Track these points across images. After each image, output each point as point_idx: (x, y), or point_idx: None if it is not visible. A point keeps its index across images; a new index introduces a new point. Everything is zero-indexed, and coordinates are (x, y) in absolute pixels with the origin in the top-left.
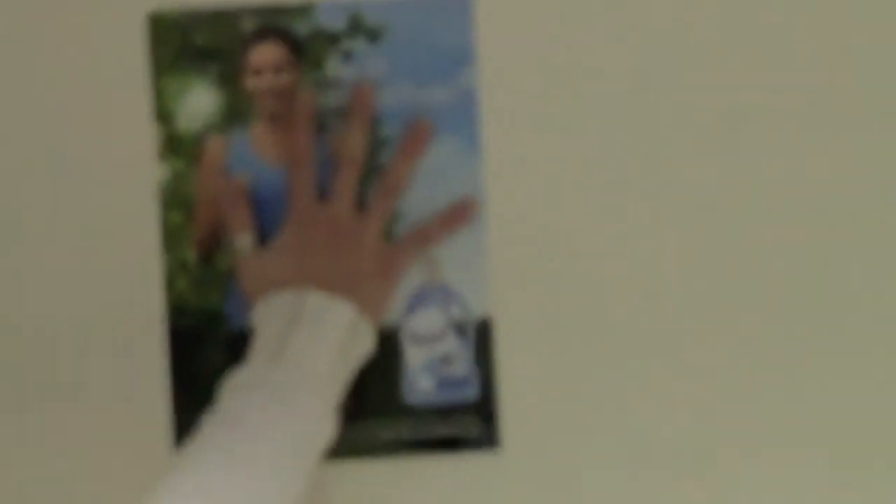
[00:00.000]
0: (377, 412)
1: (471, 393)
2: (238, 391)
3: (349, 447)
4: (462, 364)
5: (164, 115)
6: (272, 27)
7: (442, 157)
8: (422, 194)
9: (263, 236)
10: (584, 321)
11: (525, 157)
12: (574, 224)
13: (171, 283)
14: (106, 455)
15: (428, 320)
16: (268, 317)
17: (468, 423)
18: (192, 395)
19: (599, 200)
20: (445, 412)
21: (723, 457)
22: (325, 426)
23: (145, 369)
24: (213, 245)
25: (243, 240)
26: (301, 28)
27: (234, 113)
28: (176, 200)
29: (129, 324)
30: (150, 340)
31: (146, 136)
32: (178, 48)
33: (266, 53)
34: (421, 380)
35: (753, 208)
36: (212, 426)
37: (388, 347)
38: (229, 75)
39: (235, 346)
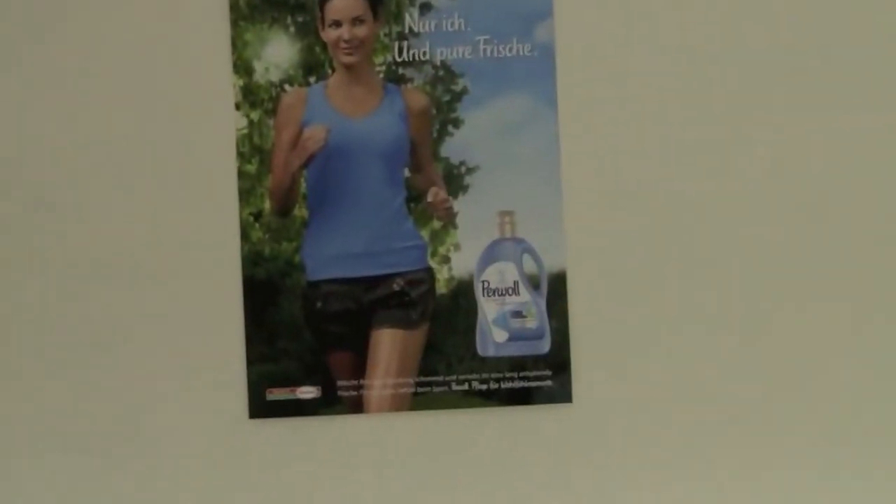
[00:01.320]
0: (451, 364)
1: (543, 346)
2: None
3: (424, 398)
4: (535, 317)
5: (242, 65)
6: None
7: (518, 112)
8: (498, 149)
9: (337, 185)
10: (658, 277)
11: (602, 113)
12: (651, 180)
13: (246, 233)
14: (182, 400)
15: (502, 273)
16: None
17: (540, 377)
18: (267, 344)
19: (678, 157)
20: (518, 365)
21: (798, 423)
22: None
23: (222, 317)
24: (289, 196)
25: None
26: None
27: (312, 64)
28: (252, 150)
29: (206, 272)
30: (226, 289)
31: (225, 86)
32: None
33: (345, 5)
34: (494, 332)
35: (832, 166)
36: None
37: (463, 300)
38: (307, 27)
39: (310, 298)
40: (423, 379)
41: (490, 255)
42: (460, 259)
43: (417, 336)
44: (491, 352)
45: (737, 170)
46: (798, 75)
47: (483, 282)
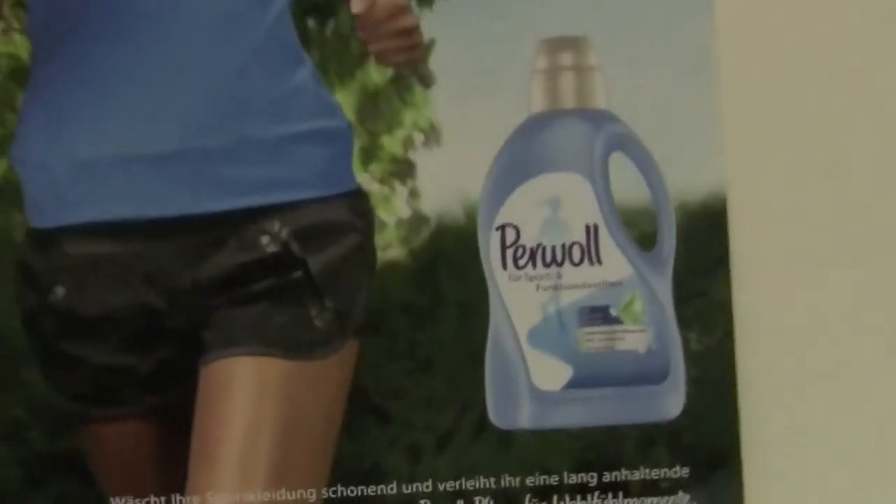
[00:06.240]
0: (418, 450)
1: (667, 402)
2: None
3: None
4: (644, 325)
5: None
6: None
7: None
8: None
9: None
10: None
11: None
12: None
13: None
14: None
15: (554, 206)
16: None
17: (662, 482)
18: None
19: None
20: (601, 452)
21: None
22: None
23: None
24: None
25: None
26: None
27: None
28: None
29: None
30: None
31: None
32: None
33: None
34: (533, 366)
35: None
36: None
37: (451, 278)
38: None
39: (39, 275)
40: (341, 492)
41: (522, 158)
42: (441, 168)
43: (325, 375)
44: (525, 419)
45: None
46: None
47: (503, 228)
